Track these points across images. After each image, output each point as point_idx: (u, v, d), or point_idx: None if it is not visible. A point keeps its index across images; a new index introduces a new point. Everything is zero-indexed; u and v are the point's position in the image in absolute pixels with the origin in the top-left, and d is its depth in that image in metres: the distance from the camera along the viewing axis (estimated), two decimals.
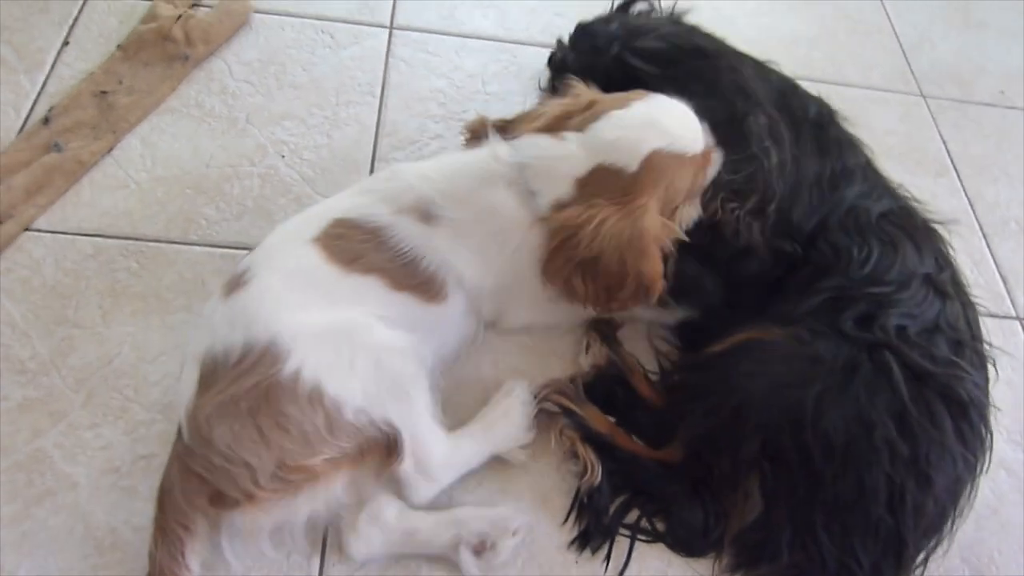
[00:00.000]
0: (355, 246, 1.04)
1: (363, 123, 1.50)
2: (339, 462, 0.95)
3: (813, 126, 1.25)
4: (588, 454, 1.12)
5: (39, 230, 1.28)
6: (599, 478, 1.10)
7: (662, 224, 1.07)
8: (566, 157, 1.07)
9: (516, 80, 1.64)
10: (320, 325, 0.96)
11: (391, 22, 1.70)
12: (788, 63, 1.81)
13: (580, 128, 1.08)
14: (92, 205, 1.32)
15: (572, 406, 1.15)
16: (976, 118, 1.83)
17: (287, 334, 0.93)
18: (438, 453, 1.03)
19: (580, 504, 1.11)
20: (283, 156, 1.43)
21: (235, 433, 0.90)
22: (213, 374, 0.94)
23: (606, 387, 1.20)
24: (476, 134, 1.19)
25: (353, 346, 0.96)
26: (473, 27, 1.73)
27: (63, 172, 1.33)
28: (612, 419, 1.17)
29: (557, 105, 1.13)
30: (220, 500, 0.92)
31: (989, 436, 1.06)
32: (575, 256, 1.05)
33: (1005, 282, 1.53)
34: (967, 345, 1.11)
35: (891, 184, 1.28)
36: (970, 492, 1.05)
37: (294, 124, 1.49)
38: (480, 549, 1.02)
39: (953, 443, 1.02)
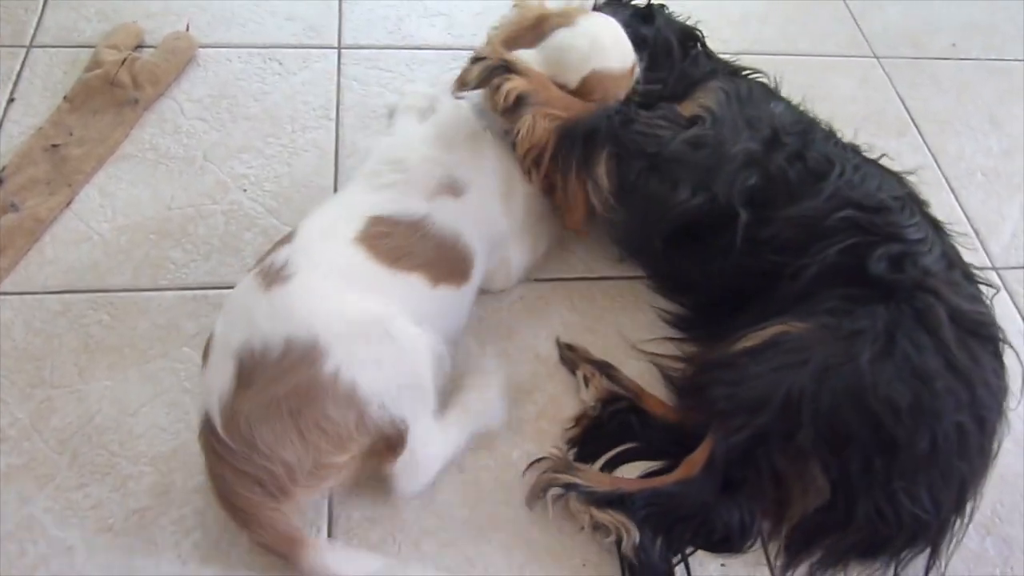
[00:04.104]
0: (401, 243, 1.06)
1: (322, 147, 1.49)
2: (357, 456, 0.98)
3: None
4: (614, 517, 1.04)
5: (5, 293, 1.25)
6: (636, 536, 1.03)
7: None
8: None
9: None
10: (350, 319, 0.97)
11: (339, 42, 1.69)
12: (740, 40, 1.82)
13: (532, 44, 1.22)
14: (56, 262, 1.30)
15: (569, 479, 1.08)
16: (932, 74, 1.83)
17: (328, 333, 0.94)
18: (433, 450, 1.06)
19: (631, 567, 1.04)
20: (245, 190, 1.42)
21: (276, 435, 0.92)
22: (252, 370, 0.94)
23: (618, 419, 1.16)
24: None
25: (381, 341, 0.97)
26: (422, 38, 1.72)
27: (23, 231, 1.31)
28: (605, 460, 1.14)
29: (508, 26, 1.27)
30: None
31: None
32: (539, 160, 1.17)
33: (978, 234, 1.54)
34: (973, 278, 1.10)
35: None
36: (1007, 426, 1.05)
37: (252, 156, 1.47)
38: None
39: (994, 380, 1.01)
